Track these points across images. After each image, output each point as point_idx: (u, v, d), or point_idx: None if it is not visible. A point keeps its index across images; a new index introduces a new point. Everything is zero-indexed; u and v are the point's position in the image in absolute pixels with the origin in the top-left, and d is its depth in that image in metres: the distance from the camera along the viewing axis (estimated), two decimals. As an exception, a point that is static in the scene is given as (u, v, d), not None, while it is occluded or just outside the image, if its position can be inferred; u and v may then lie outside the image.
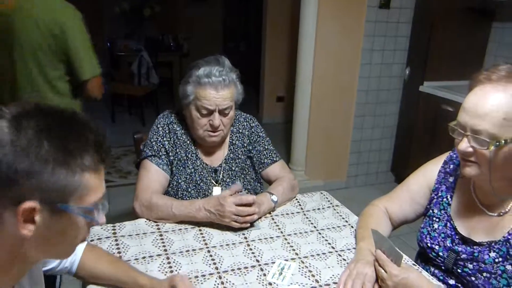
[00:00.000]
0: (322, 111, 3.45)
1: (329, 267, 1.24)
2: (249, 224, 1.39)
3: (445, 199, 1.24)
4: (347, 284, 1.10)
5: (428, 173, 1.31)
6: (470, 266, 1.12)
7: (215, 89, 1.47)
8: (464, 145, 1.03)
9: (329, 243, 1.36)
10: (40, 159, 0.65)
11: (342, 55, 3.33)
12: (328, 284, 1.16)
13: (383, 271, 1.07)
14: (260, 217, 1.48)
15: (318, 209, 1.58)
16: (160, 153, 1.57)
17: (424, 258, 1.29)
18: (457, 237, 1.18)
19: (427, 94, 3.22)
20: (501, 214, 1.10)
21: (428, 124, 3.23)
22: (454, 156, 1.27)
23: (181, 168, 1.60)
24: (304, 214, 1.54)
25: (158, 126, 1.62)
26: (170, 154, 1.59)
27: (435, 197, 1.27)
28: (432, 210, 1.27)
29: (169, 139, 1.60)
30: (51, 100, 2.02)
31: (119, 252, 1.27)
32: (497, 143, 0.98)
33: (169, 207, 1.42)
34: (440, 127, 3.03)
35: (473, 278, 1.12)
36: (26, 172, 0.64)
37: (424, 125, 3.29)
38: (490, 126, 0.98)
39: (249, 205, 1.38)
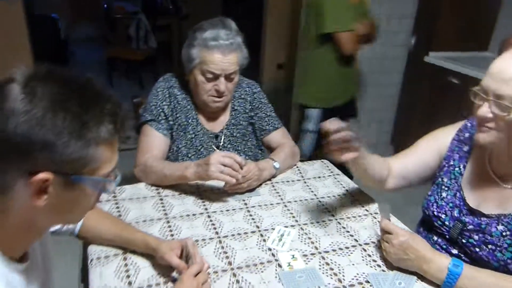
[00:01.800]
0: (323, 79, 3.39)
1: (328, 235, 1.24)
2: (235, 182, 1.31)
3: (457, 169, 1.21)
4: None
5: (440, 138, 1.27)
6: (476, 237, 1.11)
7: (222, 53, 1.43)
8: (485, 109, 1.00)
9: (329, 211, 1.36)
10: (55, 131, 0.62)
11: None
12: (327, 251, 1.16)
13: (388, 234, 1.09)
14: (261, 183, 1.47)
15: (319, 177, 1.58)
16: (160, 118, 1.54)
17: (428, 226, 1.27)
18: (465, 208, 1.16)
19: (433, 65, 3.16)
20: None
21: (432, 97, 3.18)
22: (469, 125, 1.24)
23: (181, 133, 1.57)
24: (305, 182, 1.53)
25: (158, 90, 1.58)
26: (170, 118, 1.56)
27: (446, 165, 1.24)
28: (442, 178, 1.24)
29: (168, 103, 1.56)
30: (311, 52, 2.45)
31: (119, 215, 1.27)
32: None
33: (161, 169, 1.41)
34: (444, 100, 2.99)
35: (477, 249, 1.11)
36: (40, 143, 0.62)
37: (428, 98, 3.24)
38: None
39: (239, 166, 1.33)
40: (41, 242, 0.87)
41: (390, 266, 1.11)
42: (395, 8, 3.29)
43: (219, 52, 1.43)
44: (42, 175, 0.63)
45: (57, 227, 1.03)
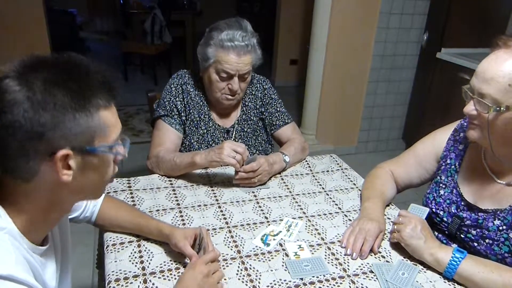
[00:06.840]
0: (336, 75, 3.41)
1: (334, 226, 1.28)
2: (242, 172, 1.39)
3: (453, 166, 1.25)
4: (349, 239, 1.15)
5: (437, 141, 1.32)
6: (474, 232, 1.15)
7: (238, 54, 1.47)
8: (469, 107, 1.06)
9: (336, 204, 1.40)
10: (58, 109, 0.67)
11: (358, 18, 3.26)
12: (333, 242, 1.20)
13: (403, 218, 1.15)
14: (271, 177, 1.51)
15: (327, 171, 1.61)
16: (173, 113, 1.59)
17: (429, 222, 1.31)
18: (462, 203, 1.20)
19: (444, 61, 3.15)
20: (511, 184, 1.11)
21: (443, 93, 3.18)
22: (465, 124, 1.27)
23: (194, 128, 1.62)
24: (313, 176, 1.57)
25: (172, 86, 1.63)
26: (183, 114, 1.61)
27: (443, 164, 1.28)
28: (440, 176, 1.28)
29: (181, 100, 1.61)
30: None
31: (134, 205, 1.32)
32: (498, 108, 0.99)
33: (172, 157, 1.46)
34: (456, 96, 2.98)
35: (475, 244, 1.15)
36: (49, 123, 0.67)
37: (439, 93, 3.24)
38: (494, 91, 0.99)
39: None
40: (60, 227, 0.93)
41: (394, 257, 1.15)
42: (407, 4, 3.29)
43: (234, 53, 1.47)
44: (62, 152, 0.69)
45: (76, 214, 1.09)
